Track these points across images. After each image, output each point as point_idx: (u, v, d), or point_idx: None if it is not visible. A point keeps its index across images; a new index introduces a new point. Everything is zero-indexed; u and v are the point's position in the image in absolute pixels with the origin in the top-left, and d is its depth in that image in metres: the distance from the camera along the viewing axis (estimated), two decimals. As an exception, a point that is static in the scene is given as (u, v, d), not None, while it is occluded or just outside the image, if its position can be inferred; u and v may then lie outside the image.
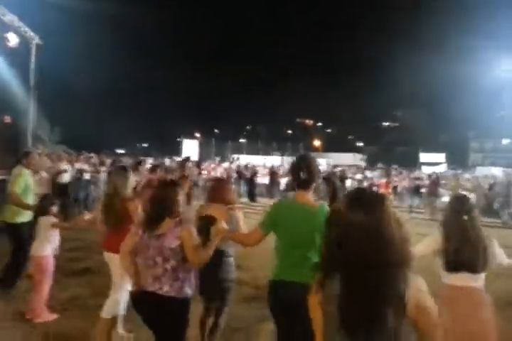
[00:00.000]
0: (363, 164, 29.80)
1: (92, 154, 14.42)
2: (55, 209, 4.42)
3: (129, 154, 31.59)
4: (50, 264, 4.28)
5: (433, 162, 31.92)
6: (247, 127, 68.25)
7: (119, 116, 51.60)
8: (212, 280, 3.37)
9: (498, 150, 40.84)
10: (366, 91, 55.45)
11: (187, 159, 11.00)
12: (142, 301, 2.67)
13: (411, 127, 55.71)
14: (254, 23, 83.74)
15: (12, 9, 12.23)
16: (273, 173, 17.46)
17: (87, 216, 4.32)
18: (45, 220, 4.29)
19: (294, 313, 2.28)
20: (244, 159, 26.51)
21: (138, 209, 3.64)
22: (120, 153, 39.18)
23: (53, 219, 4.34)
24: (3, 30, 12.03)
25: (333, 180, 5.22)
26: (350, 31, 74.33)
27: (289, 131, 66.08)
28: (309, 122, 74.91)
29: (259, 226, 2.73)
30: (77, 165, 11.29)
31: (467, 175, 19.31)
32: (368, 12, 71.86)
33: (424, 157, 34.30)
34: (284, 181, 18.07)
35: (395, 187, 15.50)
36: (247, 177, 16.55)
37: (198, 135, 44.03)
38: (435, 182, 14.23)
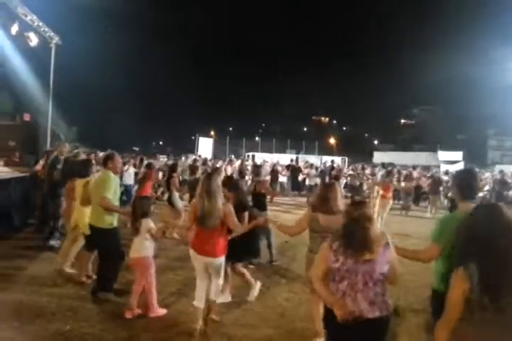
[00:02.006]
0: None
1: (102, 153, 14.05)
2: (152, 209, 4.51)
3: (143, 152, 31.68)
4: (151, 265, 4.33)
5: (451, 160, 31.41)
6: (262, 125, 68.24)
7: (135, 115, 52.04)
8: None
9: (517, 148, 40.04)
10: (382, 88, 54.94)
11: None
12: (362, 328, 2.57)
13: (428, 125, 54.99)
14: (271, 20, 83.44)
15: (33, 9, 12.37)
16: (273, 172, 17.04)
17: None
18: (146, 222, 4.32)
19: None
20: (259, 157, 26.44)
21: (232, 211, 3.92)
22: (135, 151, 39.50)
23: (151, 224, 4.38)
24: (24, 30, 12.19)
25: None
26: (368, 31, 73.62)
27: (305, 129, 65.79)
28: (325, 120, 74.51)
29: (435, 241, 2.82)
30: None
31: (487, 174, 18.95)
32: (385, 11, 71.06)
33: (442, 155, 33.75)
34: (284, 179, 17.61)
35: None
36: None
37: (212, 133, 44.14)
38: (436, 181, 14.52)
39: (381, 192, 10.39)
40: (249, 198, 6.62)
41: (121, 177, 12.45)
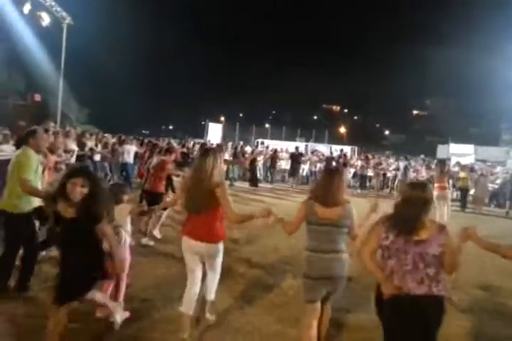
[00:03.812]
0: None
1: (107, 134, 13.88)
2: (126, 197, 3.93)
3: (153, 135, 31.68)
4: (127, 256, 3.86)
5: (462, 153, 30.97)
6: (273, 112, 67.81)
7: (146, 98, 51.96)
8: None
9: (530, 142, 39.41)
10: (396, 78, 54.07)
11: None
12: (409, 305, 2.54)
13: (440, 116, 54.28)
14: (285, 7, 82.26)
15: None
16: (273, 158, 16.96)
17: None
18: (122, 209, 3.81)
19: None
20: (268, 144, 26.34)
21: (227, 195, 3.37)
22: (145, 134, 39.55)
23: (128, 206, 3.89)
24: (36, 9, 12.12)
25: None
26: (383, 19, 72.33)
27: (315, 117, 65.32)
28: (336, 108, 73.89)
29: None
30: (89, 144, 10.54)
31: (498, 168, 18.73)
32: (400, 0, 69.62)
33: (453, 148, 33.21)
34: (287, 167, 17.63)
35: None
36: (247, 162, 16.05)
37: (222, 119, 43.97)
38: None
39: (437, 184, 10.12)
40: None
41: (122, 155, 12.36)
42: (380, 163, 17.82)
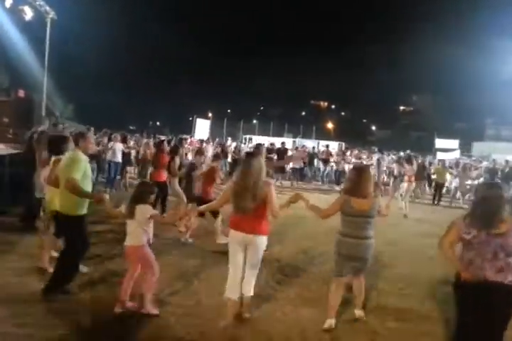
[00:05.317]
0: None
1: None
2: (152, 197, 4.08)
3: (140, 131, 31.28)
4: (147, 254, 3.97)
5: (448, 148, 31.29)
6: (261, 108, 67.68)
7: (132, 94, 51.54)
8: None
9: (515, 137, 39.96)
10: (382, 75, 54.35)
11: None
12: (484, 290, 2.85)
13: (427, 112, 54.80)
14: (274, 3, 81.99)
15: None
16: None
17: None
18: (143, 209, 3.90)
19: None
20: (256, 140, 26.34)
21: (274, 193, 3.72)
22: (131, 130, 39.16)
23: (151, 210, 3.99)
24: (19, 3, 11.91)
25: None
26: (370, 14, 72.65)
27: (303, 113, 65.41)
28: (323, 104, 74.08)
29: None
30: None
31: (484, 163, 18.98)
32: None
33: (439, 143, 33.51)
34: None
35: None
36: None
37: (210, 115, 43.80)
38: (420, 168, 14.58)
39: (406, 178, 10.83)
40: None
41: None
42: (360, 157, 17.82)
